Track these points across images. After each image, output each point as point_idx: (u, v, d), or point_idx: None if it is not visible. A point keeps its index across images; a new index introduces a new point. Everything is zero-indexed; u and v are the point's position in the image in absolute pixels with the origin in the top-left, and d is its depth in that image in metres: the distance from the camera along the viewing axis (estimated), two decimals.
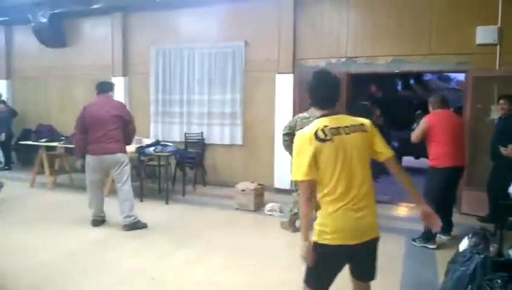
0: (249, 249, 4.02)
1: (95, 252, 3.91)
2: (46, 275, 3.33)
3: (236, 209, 5.41)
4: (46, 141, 6.53)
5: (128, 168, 4.57)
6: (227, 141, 6.83)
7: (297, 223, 4.36)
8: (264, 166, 6.48)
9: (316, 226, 1.96)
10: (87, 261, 3.67)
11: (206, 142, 6.91)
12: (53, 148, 6.79)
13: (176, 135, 7.19)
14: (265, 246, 4.10)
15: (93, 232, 4.44)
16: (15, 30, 8.87)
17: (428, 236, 4.02)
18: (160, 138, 6.76)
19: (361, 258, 2.00)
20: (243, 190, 5.42)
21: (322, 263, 1.94)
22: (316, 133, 1.91)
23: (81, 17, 8.04)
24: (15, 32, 8.91)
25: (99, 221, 4.66)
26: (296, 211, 4.33)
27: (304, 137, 1.94)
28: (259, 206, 5.39)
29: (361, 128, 1.98)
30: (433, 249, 3.99)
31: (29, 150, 7.78)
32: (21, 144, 7.45)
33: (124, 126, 4.54)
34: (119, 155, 4.47)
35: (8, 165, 8.18)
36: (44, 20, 7.83)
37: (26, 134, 8.24)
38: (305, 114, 4.19)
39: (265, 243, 4.21)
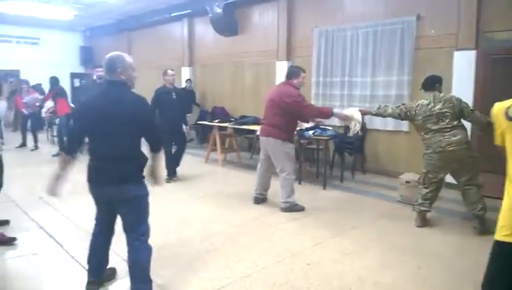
0: (411, 246, 3.63)
1: (255, 228, 4.14)
2: (212, 244, 3.67)
3: (399, 201, 4.99)
4: (218, 122, 7.25)
5: (283, 156, 4.55)
6: (391, 127, 6.33)
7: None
8: None
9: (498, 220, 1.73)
10: (248, 235, 3.91)
11: (368, 127, 6.55)
12: (224, 128, 7.48)
13: (335, 118, 7.01)
14: (429, 246, 3.65)
15: (253, 209, 4.72)
16: (196, 22, 10.02)
17: None
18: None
19: None
20: (408, 182, 4.95)
21: (497, 263, 1.69)
22: (507, 110, 1.70)
23: (251, 5, 8.53)
24: (196, 24, 10.07)
25: (259, 199, 4.92)
26: (424, 208, 4.08)
27: (495, 110, 1.81)
28: None
29: None
30: None
31: (206, 130, 8.80)
32: (199, 123, 8.46)
33: (287, 113, 4.50)
34: (271, 140, 4.55)
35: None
36: (219, 10, 8.58)
37: (204, 115, 9.32)
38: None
39: (429, 242, 3.75)
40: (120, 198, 2.50)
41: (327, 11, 7.10)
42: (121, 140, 2.44)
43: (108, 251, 2.80)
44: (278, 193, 4.71)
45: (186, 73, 10.20)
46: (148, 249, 2.57)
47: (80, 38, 14.20)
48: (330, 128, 5.99)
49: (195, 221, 4.31)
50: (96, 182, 2.50)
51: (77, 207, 4.64)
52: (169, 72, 5.96)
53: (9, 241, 3.61)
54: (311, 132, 5.68)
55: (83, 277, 2.82)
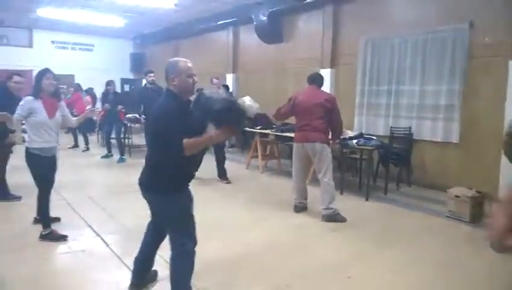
0: (461, 268, 3.44)
1: (295, 237, 4.10)
2: (251, 251, 3.66)
3: (447, 217, 4.74)
4: (260, 128, 7.27)
5: (328, 160, 4.58)
6: (439, 138, 6.05)
7: None
8: (487, 170, 5.44)
9: None
10: (287, 244, 3.87)
11: (415, 137, 6.31)
12: (266, 135, 7.49)
13: (380, 128, 6.84)
14: (481, 270, 3.43)
15: (294, 218, 4.68)
16: (241, 30, 10.16)
17: None
18: (363, 131, 6.56)
19: None
20: (457, 196, 4.70)
21: None
22: None
23: (296, 13, 8.53)
24: (241, 32, 10.21)
25: (300, 207, 4.86)
26: None
27: None
28: (476, 218, 4.57)
29: None
30: None
31: (248, 136, 8.84)
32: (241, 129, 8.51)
33: (328, 117, 4.58)
34: (318, 145, 4.53)
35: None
36: (264, 18, 8.64)
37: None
38: None
39: (481, 265, 3.52)
40: (153, 205, 2.57)
41: (374, 20, 6.96)
42: (148, 148, 2.59)
43: (153, 254, 2.83)
44: (319, 202, 4.64)
45: (230, 79, 10.34)
46: (184, 259, 2.51)
47: (130, 46, 14.83)
48: (374, 137, 5.83)
49: (235, 227, 4.34)
50: (140, 184, 2.56)
51: (123, 207, 4.82)
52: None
53: (61, 238, 3.80)
54: (354, 141, 5.55)
55: (126, 277, 2.91)
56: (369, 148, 5.45)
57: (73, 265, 3.33)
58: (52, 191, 3.98)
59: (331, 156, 4.62)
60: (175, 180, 2.48)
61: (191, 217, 2.60)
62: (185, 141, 2.27)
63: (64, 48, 13.58)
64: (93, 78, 11.88)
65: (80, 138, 9.38)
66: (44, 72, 3.80)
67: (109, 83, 8.35)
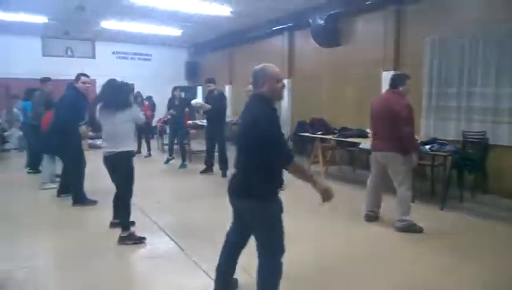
0: None
1: (373, 248, 3.93)
2: (328, 265, 3.54)
3: None
4: (321, 134, 7.14)
5: (403, 169, 4.29)
6: None
7: None
8: None
9: None
10: (367, 256, 3.71)
11: (490, 142, 5.89)
12: (326, 140, 7.35)
13: (450, 132, 6.45)
14: None
15: (366, 227, 4.50)
16: (296, 34, 10.10)
17: None
18: (431, 135, 6.24)
19: None
20: None
21: None
22: None
23: (355, 16, 8.33)
24: (296, 36, 10.15)
25: (372, 216, 4.67)
26: None
27: None
28: None
29: None
30: None
31: (304, 141, 8.75)
32: (298, 134, 8.43)
33: (399, 124, 4.26)
34: (389, 154, 4.30)
35: None
36: (321, 22, 8.52)
37: (301, 126, 9.29)
38: None
39: None
40: (245, 213, 2.53)
41: (441, 18, 6.61)
42: (243, 154, 2.49)
43: (235, 264, 2.79)
44: (392, 211, 4.44)
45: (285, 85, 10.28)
46: (274, 269, 2.48)
47: (186, 54, 15.25)
48: (446, 142, 5.51)
49: (306, 237, 4.17)
50: (232, 192, 2.54)
51: (192, 212, 4.89)
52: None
53: (139, 240, 3.91)
54: (427, 147, 5.27)
55: (206, 283, 2.91)
56: (444, 154, 5.16)
57: (155, 270, 3.38)
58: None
59: (407, 166, 4.30)
60: (274, 186, 2.47)
61: (283, 226, 2.54)
62: (296, 161, 2.45)
63: (124, 58, 14.21)
64: (151, 86, 12.31)
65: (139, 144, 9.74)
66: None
67: (175, 89, 8.65)
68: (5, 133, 10.39)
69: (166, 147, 9.56)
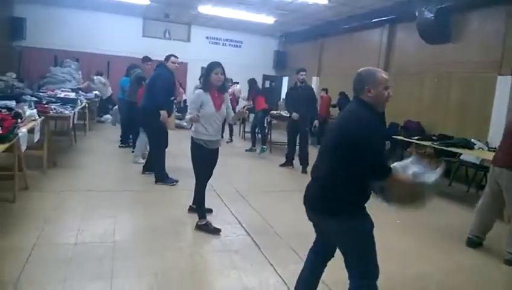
0: None
1: (478, 281, 3.37)
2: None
3: None
4: (417, 139, 6.45)
5: None
6: None
7: None
8: None
9: None
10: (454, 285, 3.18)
11: None
12: (421, 146, 6.64)
13: None
14: None
15: (466, 254, 3.89)
16: (399, 28, 9.30)
17: None
18: None
19: None
20: None
21: None
22: None
23: (470, 10, 7.37)
24: (398, 30, 9.34)
25: (474, 242, 4.02)
26: None
27: None
28: None
29: None
30: None
31: (395, 145, 8.03)
32: (392, 137, 7.74)
33: None
34: (504, 171, 3.65)
35: None
36: (430, 15, 7.68)
37: (392, 128, 8.54)
38: None
39: None
40: (328, 229, 2.24)
41: None
42: (327, 162, 2.17)
43: (319, 280, 2.48)
44: (500, 239, 3.78)
45: None
46: None
47: (275, 43, 15.07)
48: None
49: (393, 256, 3.62)
50: (310, 205, 2.25)
51: (270, 207, 4.67)
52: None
53: (215, 231, 3.78)
54: None
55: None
56: None
57: (227, 265, 3.21)
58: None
59: None
60: (360, 201, 2.15)
61: (374, 244, 2.19)
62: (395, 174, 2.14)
63: (216, 43, 14.47)
64: (239, 73, 12.34)
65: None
66: (214, 66, 3.83)
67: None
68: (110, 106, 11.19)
69: (248, 135, 9.50)
